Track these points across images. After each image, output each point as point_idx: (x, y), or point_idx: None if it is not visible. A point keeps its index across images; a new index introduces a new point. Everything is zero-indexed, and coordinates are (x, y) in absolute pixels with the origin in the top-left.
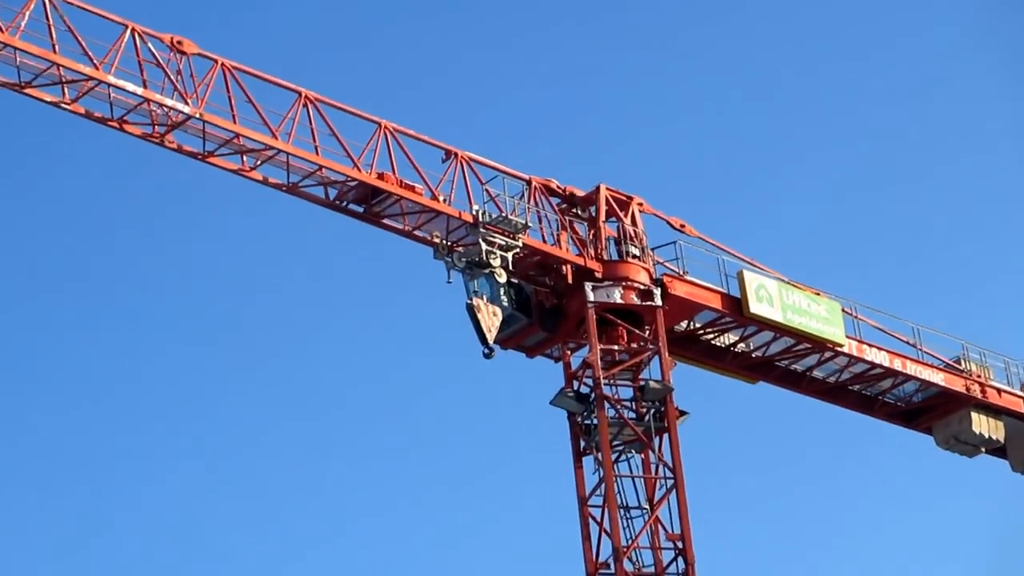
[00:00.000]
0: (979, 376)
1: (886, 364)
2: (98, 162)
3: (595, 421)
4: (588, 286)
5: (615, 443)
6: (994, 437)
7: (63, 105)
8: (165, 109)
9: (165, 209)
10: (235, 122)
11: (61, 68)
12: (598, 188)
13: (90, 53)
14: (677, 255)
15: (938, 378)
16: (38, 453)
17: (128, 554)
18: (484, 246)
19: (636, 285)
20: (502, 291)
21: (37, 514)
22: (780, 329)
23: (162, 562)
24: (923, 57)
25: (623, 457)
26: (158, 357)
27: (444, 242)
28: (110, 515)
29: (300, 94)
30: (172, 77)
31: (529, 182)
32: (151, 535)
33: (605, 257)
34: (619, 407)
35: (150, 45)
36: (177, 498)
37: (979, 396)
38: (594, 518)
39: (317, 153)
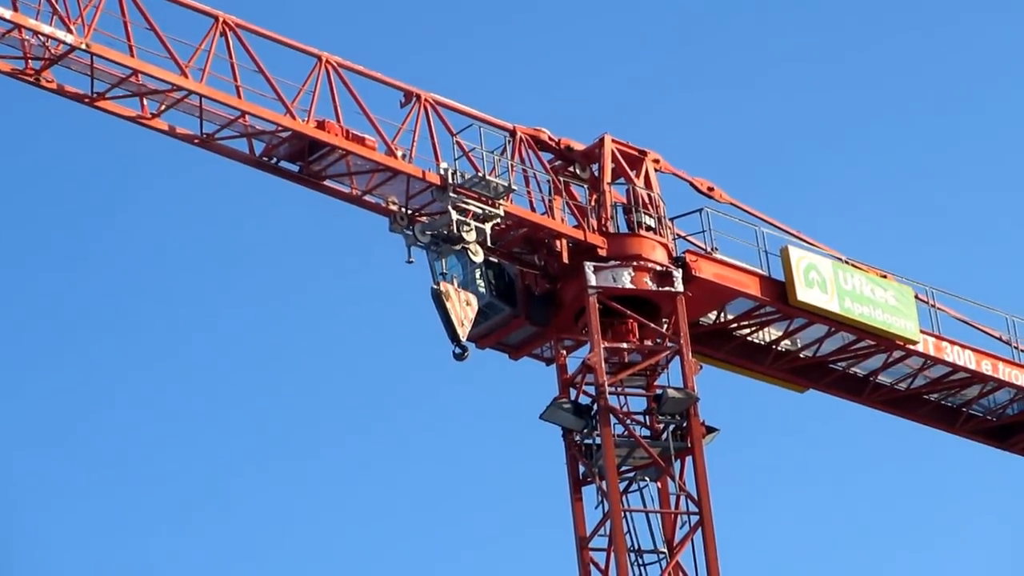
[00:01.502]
0: None
1: (972, 366)
2: None
3: (598, 440)
4: (589, 267)
5: (624, 468)
6: None
7: None
8: (42, 38)
9: (43, 164)
10: (133, 55)
11: None
12: (602, 140)
13: None
14: (704, 227)
15: None
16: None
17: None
18: (455, 215)
19: (651, 266)
20: (478, 273)
21: (39, 512)
22: (836, 322)
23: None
24: None
25: (634, 486)
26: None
27: (403, 210)
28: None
29: (217, 19)
30: None
31: (513, 132)
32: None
33: (611, 230)
34: (629, 422)
35: None
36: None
37: None
38: (597, 564)
39: (239, 95)
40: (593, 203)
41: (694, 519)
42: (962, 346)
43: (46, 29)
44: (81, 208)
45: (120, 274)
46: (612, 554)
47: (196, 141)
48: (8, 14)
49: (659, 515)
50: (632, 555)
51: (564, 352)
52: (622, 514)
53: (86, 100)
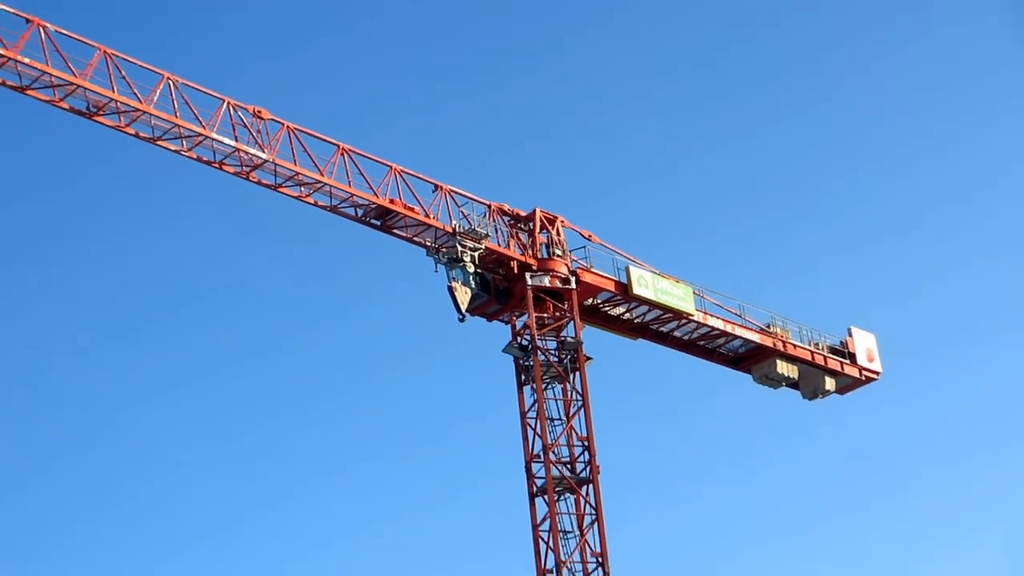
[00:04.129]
0: (782, 336)
1: (721, 328)
2: (204, 194)
3: (531, 363)
4: (528, 275)
5: (544, 377)
6: (791, 376)
7: (183, 153)
8: (250, 155)
9: (249, 229)
10: (296, 164)
11: (181, 127)
12: (534, 210)
13: (200, 117)
14: (586, 255)
15: (755, 337)
16: (38, 455)
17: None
18: (459, 248)
19: (559, 275)
20: (471, 277)
21: (36, 519)
22: (653, 304)
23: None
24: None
25: (549, 387)
26: (210, 343)
27: (433, 245)
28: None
29: (339, 147)
30: (254, 134)
31: (489, 206)
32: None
33: (539, 256)
34: (547, 354)
35: (239, 113)
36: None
37: (782, 349)
38: (530, 426)
39: (350, 185)
40: (530, 242)
41: (579, 403)
42: (716, 317)
43: (252, 150)
44: (263, 250)
45: (276, 293)
46: (538, 420)
47: (328, 209)
48: (233, 143)
49: (562, 401)
50: (549, 421)
51: (515, 318)
52: (544, 400)
53: (272, 188)
